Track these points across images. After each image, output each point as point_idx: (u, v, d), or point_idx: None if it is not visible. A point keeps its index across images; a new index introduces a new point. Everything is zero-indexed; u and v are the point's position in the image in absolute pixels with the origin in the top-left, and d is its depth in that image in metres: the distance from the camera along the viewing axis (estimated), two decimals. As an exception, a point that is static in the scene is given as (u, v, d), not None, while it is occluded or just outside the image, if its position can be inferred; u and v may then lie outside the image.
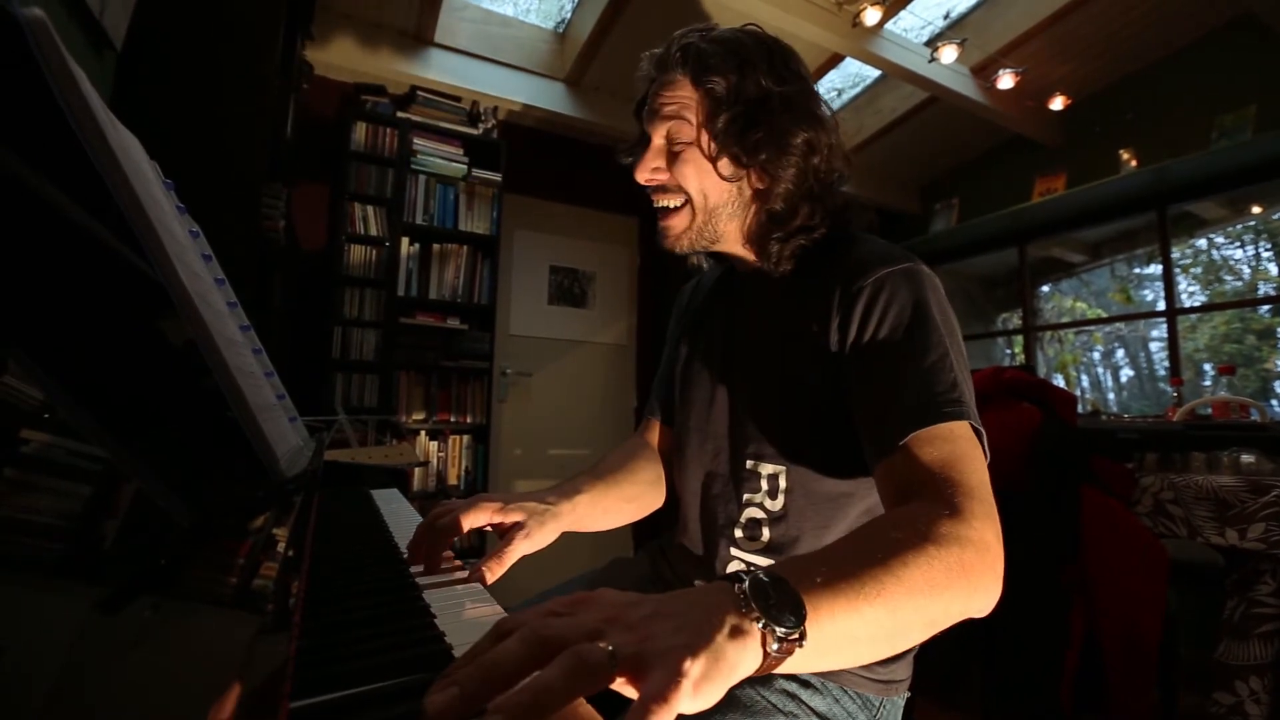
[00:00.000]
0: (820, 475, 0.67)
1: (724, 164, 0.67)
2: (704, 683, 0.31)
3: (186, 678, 0.24)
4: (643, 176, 0.71)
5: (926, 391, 0.55)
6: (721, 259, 0.77)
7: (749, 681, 0.60)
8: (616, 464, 0.82)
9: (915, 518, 0.46)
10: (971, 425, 0.55)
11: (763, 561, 0.69)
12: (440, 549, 0.61)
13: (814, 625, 0.36)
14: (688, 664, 0.31)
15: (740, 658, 0.33)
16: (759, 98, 0.66)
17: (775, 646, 0.34)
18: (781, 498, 0.69)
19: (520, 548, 0.63)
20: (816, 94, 0.71)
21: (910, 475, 0.53)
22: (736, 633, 0.33)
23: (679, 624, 0.33)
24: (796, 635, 0.35)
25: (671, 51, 0.69)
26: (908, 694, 0.70)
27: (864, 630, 0.38)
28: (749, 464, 0.71)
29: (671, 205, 0.70)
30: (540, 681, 0.28)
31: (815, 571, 0.39)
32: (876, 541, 0.44)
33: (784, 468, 0.69)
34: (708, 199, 0.69)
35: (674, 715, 0.30)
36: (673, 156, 0.69)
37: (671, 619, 0.33)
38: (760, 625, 0.34)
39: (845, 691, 0.65)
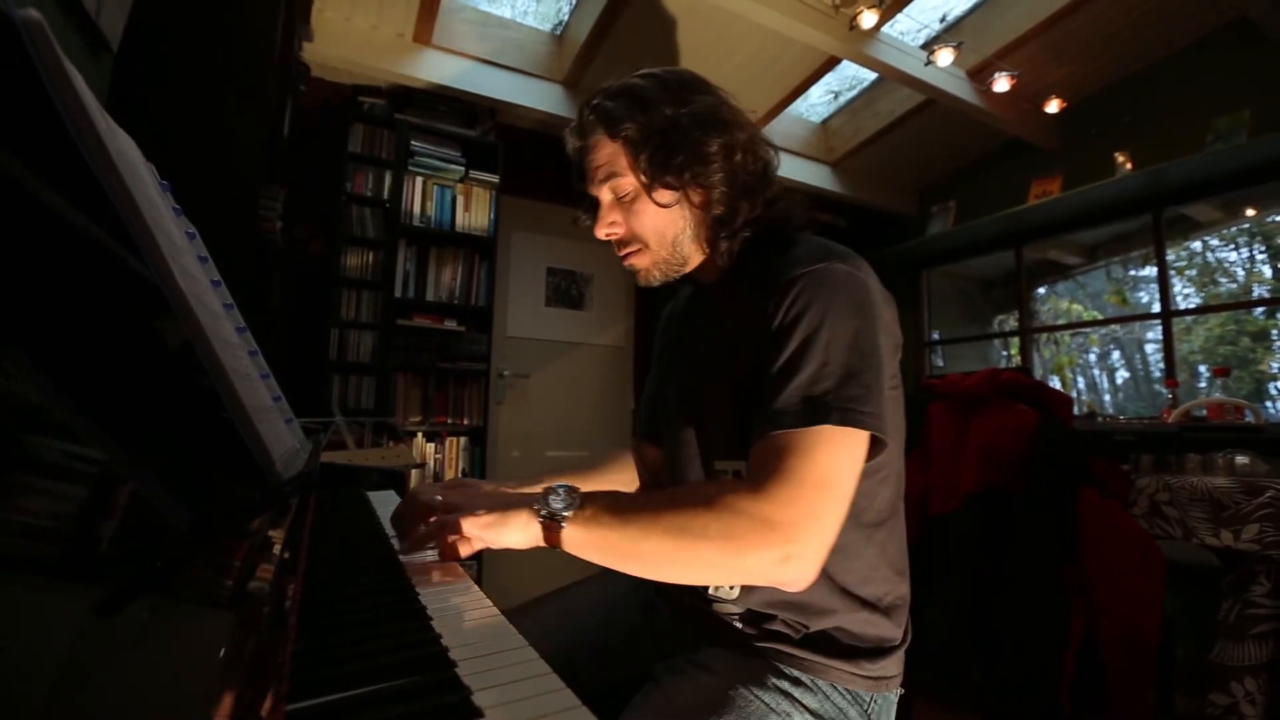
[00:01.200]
0: None
1: (660, 194, 0.73)
2: (490, 527, 0.62)
3: (183, 679, 0.24)
4: (601, 233, 0.78)
5: (793, 397, 0.60)
6: (690, 279, 0.82)
7: (742, 683, 0.65)
8: (591, 463, 0.96)
9: (713, 486, 0.60)
10: (836, 425, 0.58)
11: None
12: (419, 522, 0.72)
13: (577, 522, 0.59)
14: (481, 513, 0.62)
15: (520, 521, 0.61)
16: (667, 125, 0.72)
17: (544, 520, 0.60)
18: None
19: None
20: (722, 101, 0.76)
21: (754, 461, 0.61)
22: (524, 513, 0.61)
23: (491, 503, 0.64)
24: (560, 519, 0.59)
25: (585, 117, 0.76)
26: (900, 690, 0.71)
27: (622, 542, 0.58)
28: (716, 464, 0.75)
29: (631, 250, 0.77)
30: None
31: (607, 498, 0.61)
32: (668, 495, 0.62)
33: (743, 464, 0.71)
34: (665, 235, 0.76)
35: (459, 536, 0.63)
36: (624, 208, 0.76)
37: (490, 501, 0.67)
38: (539, 512, 0.60)
39: (835, 688, 0.66)
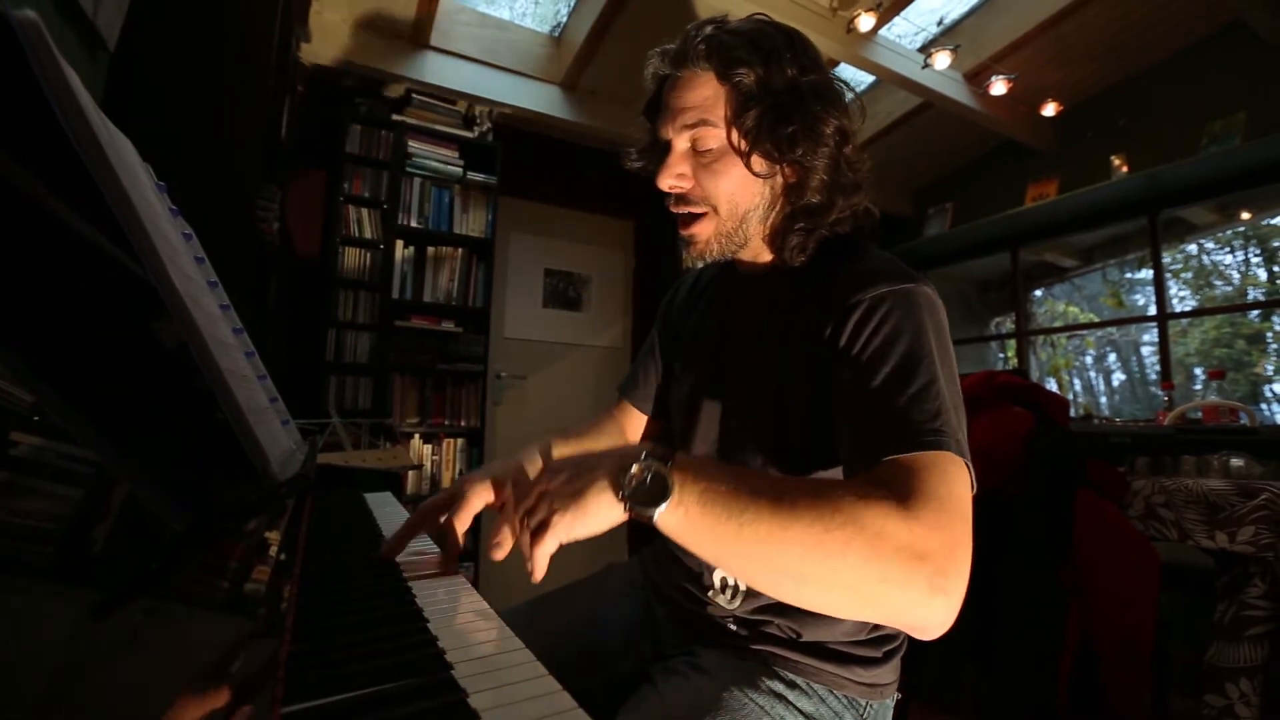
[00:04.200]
0: (807, 471, 0.66)
1: (757, 161, 0.64)
2: (573, 525, 0.47)
3: (179, 681, 0.24)
4: (666, 183, 0.67)
5: (908, 419, 0.52)
6: (734, 261, 0.74)
7: (736, 684, 0.63)
8: (583, 430, 0.87)
9: (856, 493, 0.46)
10: (955, 455, 0.51)
11: None
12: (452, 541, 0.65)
13: (674, 514, 0.45)
14: (558, 519, 0.47)
15: (604, 513, 0.47)
16: (787, 88, 0.62)
17: (630, 511, 0.46)
18: None
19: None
20: (838, 80, 0.68)
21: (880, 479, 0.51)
22: (608, 504, 0.47)
23: (568, 492, 0.48)
24: (650, 515, 0.45)
25: (693, 45, 0.64)
26: (897, 695, 0.71)
27: (726, 547, 0.45)
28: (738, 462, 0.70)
29: (695, 212, 0.67)
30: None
31: (717, 479, 0.46)
32: (801, 490, 0.46)
33: (772, 464, 0.68)
34: (738, 205, 0.66)
35: (546, 549, 0.47)
36: (700, 164, 0.65)
37: (567, 486, 0.48)
38: (624, 502, 0.46)
39: (830, 692, 0.66)
